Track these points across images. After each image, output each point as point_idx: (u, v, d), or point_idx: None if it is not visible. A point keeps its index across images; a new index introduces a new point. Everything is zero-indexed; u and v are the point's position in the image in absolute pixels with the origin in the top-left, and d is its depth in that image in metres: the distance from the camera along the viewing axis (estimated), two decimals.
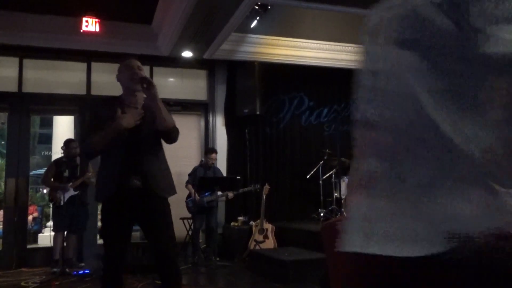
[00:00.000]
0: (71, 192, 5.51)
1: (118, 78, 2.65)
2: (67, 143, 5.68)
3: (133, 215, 2.51)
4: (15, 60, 6.37)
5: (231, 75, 7.15)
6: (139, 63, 2.64)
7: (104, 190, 2.50)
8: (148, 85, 2.45)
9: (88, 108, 6.60)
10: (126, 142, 2.47)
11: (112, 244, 2.50)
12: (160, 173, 2.56)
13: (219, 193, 5.86)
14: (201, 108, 7.25)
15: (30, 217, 7.83)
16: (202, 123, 7.30)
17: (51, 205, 5.80)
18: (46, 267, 5.71)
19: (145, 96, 2.51)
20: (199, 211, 5.90)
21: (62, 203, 5.41)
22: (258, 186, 6.20)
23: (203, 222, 6.00)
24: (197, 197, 5.82)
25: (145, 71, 2.66)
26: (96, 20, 6.19)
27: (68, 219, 5.41)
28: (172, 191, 2.65)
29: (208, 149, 6.29)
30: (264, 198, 6.11)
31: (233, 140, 7.12)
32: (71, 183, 5.51)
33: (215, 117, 7.16)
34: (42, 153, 13.30)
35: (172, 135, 2.53)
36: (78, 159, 5.70)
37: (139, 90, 2.52)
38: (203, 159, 6.08)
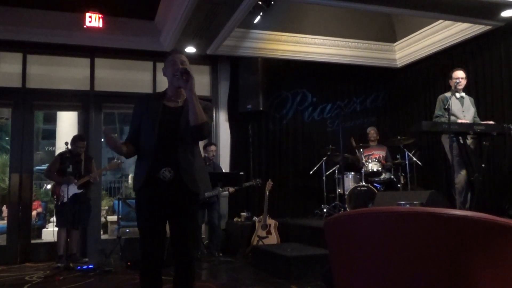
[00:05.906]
0: (75, 190, 5.49)
1: (164, 73, 2.66)
2: (74, 140, 5.65)
3: (164, 208, 2.51)
4: (19, 56, 6.38)
5: (234, 71, 7.14)
6: (183, 58, 2.62)
7: (137, 180, 2.54)
8: (187, 78, 2.45)
9: (92, 103, 6.63)
10: (162, 134, 2.49)
11: (147, 237, 2.50)
12: (195, 167, 2.55)
13: (220, 188, 5.84)
14: None
15: (34, 213, 7.85)
16: None
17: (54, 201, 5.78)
18: (50, 262, 5.74)
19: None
20: (199, 206, 5.88)
21: (65, 199, 5.41)
22: (259, 180, 6.19)
23: (203, 218, 6.00)
24: None
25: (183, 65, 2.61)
26: (100, 15, 6.19)
27: (71, 215, 5.40)
28: (207, 187, 2.69)
29: (206, 143, 6.21)
30: (267, 193, 6.10)
31: (237, 135, 7.12)
32: (75, 180, 5.50)
33: (218, 113, 7.15)
34: (46, 148, 13.35)
35: (202, 132, 2.50)
36: (82, 156, 5.70)
37: (180, 85, 2.53)
38: (206, 154, 6.05)
